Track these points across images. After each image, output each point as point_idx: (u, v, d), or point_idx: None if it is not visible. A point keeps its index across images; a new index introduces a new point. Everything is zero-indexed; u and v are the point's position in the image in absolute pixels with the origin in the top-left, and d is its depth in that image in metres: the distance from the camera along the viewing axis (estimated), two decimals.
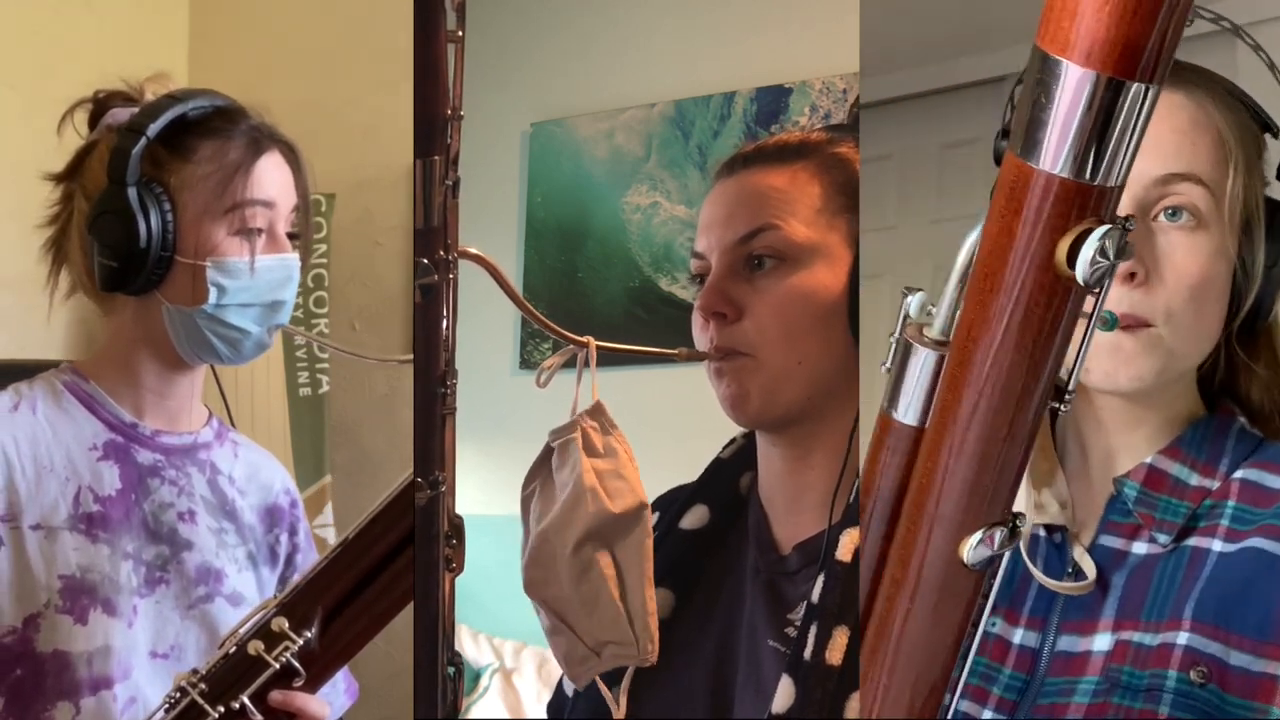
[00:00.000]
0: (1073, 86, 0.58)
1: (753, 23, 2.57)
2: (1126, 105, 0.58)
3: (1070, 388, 0.66)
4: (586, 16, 2.79)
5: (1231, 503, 0.93)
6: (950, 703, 0.74)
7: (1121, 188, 0.60)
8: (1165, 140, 0.92)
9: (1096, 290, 0.61)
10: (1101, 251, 0.59)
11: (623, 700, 0.92)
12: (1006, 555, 0.70)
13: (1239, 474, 0.94)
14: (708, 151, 2.60)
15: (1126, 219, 0.60)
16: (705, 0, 2.66)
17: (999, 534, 0.67)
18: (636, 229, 2.68)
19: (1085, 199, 0.59)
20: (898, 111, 2.83)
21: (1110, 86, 0.57)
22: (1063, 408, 0.66)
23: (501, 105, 2.80)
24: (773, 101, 2.55)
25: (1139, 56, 0.57)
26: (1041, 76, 0.58)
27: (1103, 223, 0.60)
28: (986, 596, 0.71)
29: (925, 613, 0.71)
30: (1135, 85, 0.57)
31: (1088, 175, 0.59)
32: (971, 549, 0.67)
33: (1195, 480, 0.95)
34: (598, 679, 0.91)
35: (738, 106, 2.60)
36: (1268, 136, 0.97)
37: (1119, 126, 0.58)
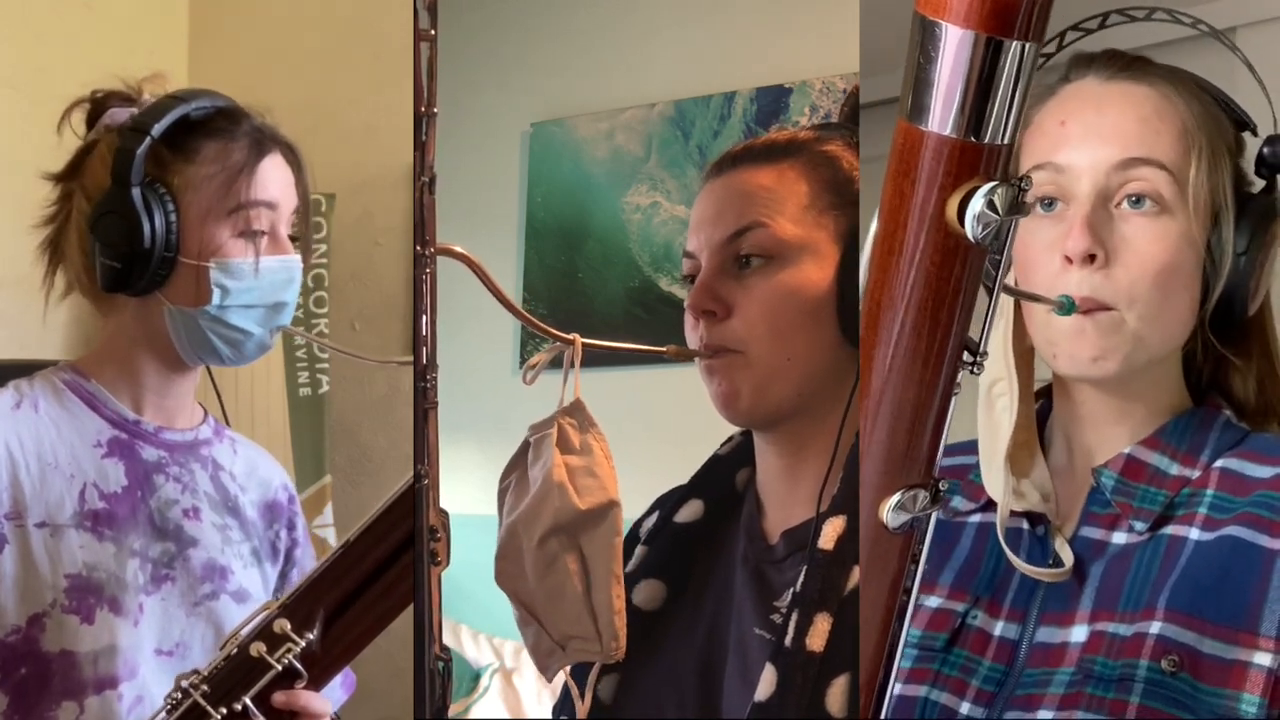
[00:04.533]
0: (953, 48, 0.59)
1: (753, 23, 2.56)
2: (1007, 64, 0.59)
3: (982, 349, 0.67)
4: (586, 16, 2.79)
5: (1210, 491, 0.94)
6: (891, 671, 0.74)
7: (1010, 147, 0.62)
8: (1128, 127, 0.93)
9: (995, 250, 0.63)
10: (990, 206, 0.61)
11: (588, 696, 0.92)
12: (931, 525, 0.71)
13: (1219, 463, 0.95)
14: (708, 151, 2.60)
15: (1021, 178, 0.62)
16: (705, 0, 2.66)
17: (919, 496, 0.68)
18: (636, 229, 2.68)
19: (973, 157, 0.61)
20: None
21: (990, 46, 0.59)
22: (973, 369, 0.67)
23: (502, 105, 2.80)
24: (773, 101, 2.54)
25: (1014, 15, 0.58)
26: (923, 41, 0.60)
27: (991, 180, 0.61)
28: (916, 561, 0.72)
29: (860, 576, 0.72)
30: (1014, 43, 0.59)
31: (974, 134, 0.60)
32: (890, 511, 0.68)
33: (1175, 470, 0.95)
34: (566, 675, 0.92)
35: (738, 106, 2.60)
36: (1248, 135, 0.98)
37: (1001, 85, 0.60)
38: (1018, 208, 0.61)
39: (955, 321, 0.64)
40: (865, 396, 0.67)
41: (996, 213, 0.61)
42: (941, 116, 0.60)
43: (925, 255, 0.63)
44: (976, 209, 0.61)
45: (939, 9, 0.59)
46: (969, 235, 0.61)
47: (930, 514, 0.69)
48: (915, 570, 0.72)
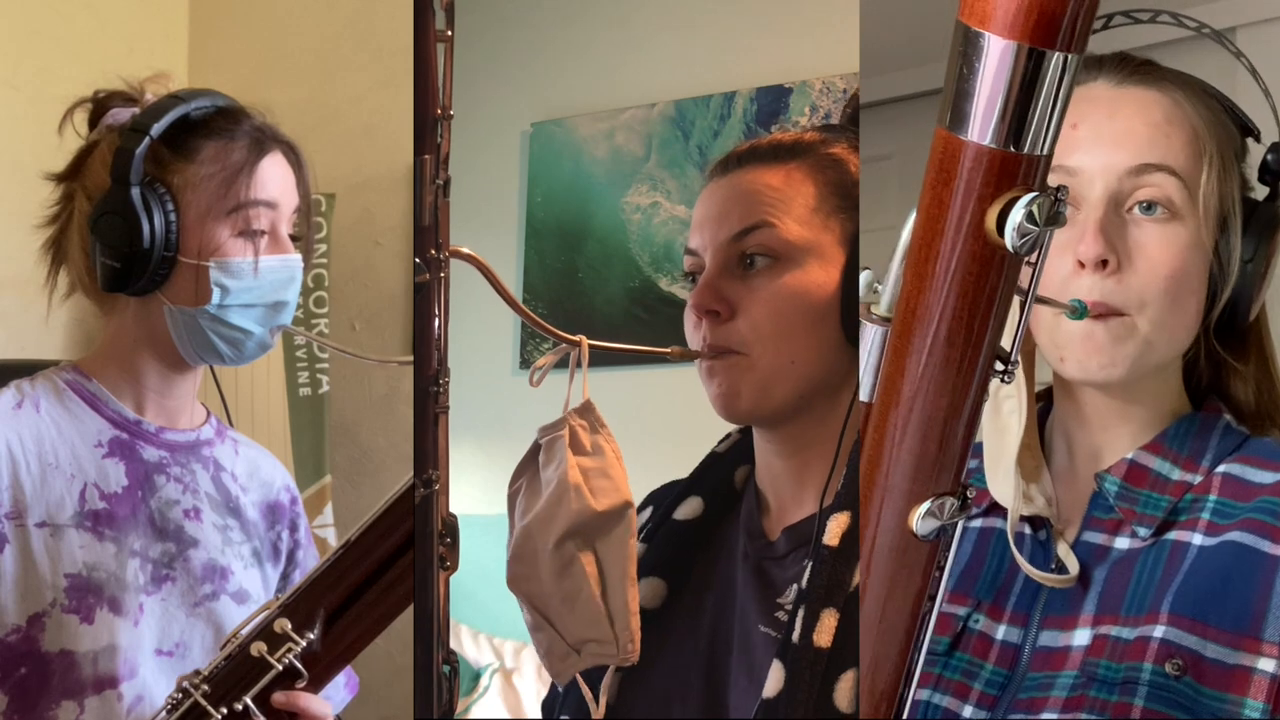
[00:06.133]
0: (995, 58, 0.59)
1: (753, 23, 2.57)
2: (1048, 74, 0.59)
3: (1013, 358, 0.67)
4: (586, 16, 2.79)
5: (1213, 497, 0.94)
6: (911, 680, 0.74)
7: (1049, 157, 0.62)
8: (1139, 133, 0.93)
9: (1030, 259, 0.63)
10: (1030, 218, 0.61)
11: (602, 700, 0.92)
12: (958, 534, 0.71)
13: (1221, 468, 0.95)
14: (708, 151, 2.60)
15: (1058, 188, 0.62)
16: (705, 0, 2.66)
17: (948, 504, 0.68)
18: (636, 229, 2.68)
19: (1013, 168, 0.61)
20: (898, 111, 2.84)
21: (1032, 57, 0.59)
22: (1004, 378, 0.67)
23: (501, 105, 2.80)
24: (773, 101, 2.55)
25: (1058, 26, 0.58)
26: (965, 50, 0.60)
27: (1030, 190, 0.61)
28: (941, 569, 0.72)
29: (880, 585, 0.72)
30: (1056, 54, 0.59)
31: (1014, 144, 0.60)
32: (920, 518, 0.68)
33: (1177, 475, 0.95)
34: (578, 677, 0.91)
35: (738, 106, 2.60)
36: (1250, 140, 0.98)
37: (1042, 96, 0.60)
38: (1055, 218, 0.61)
39: (989, 330, 0.64)
40: (895, 405, 0.66)
41: (1036, 224, 0.61)
42: (982, 126, 0.60)
43: (962, 264, 0.62)
44: (1016, 220, 0.61)
45: (983, 19, 0.59)
46: (1008, 245, 0.61)
47: (958, 521, 0.69)
48: (940, 578, 0.72)
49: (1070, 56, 0.59)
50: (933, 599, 0.72)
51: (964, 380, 0.65)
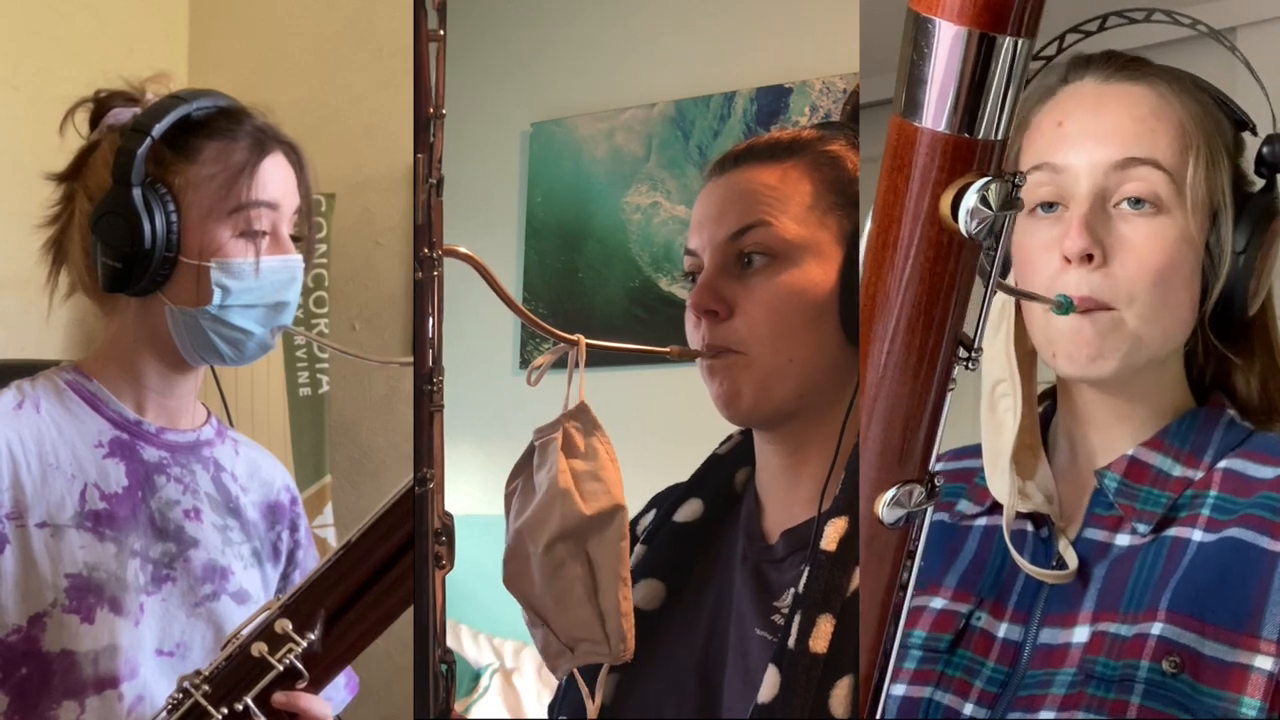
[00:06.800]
0: (946, 45, 0.59)
1: (753, 23, 2.56)
2: (1000, 60, 0.59)
3: (976, 345, 0.68)
4: (587, 16, 2.79)
5: (1213, 492, 0.93)
6: (887, 670, 0.74)
7: (1004, 142, 0.62)
8: (1125, 127, 0.93)
9: (989, 246, 0.63)
10: (984, 202, 0.61)
11: (598, 695, 0.92)
12: (926, 522, 0.71)
13: (1223, 464, 0.95)
14: (708, 151, 2.60)
15: (1015, 174, 0.62)
16: (705, 1, 2.66)
17: (915, 492, 0.68)
18: (636, 229, 2.68)
19: (967, 153, 0.61)
20: None
21: (983, 42, 0.59)
22: (968, 365, 0.67)
23: (502, 105, 2.80)
24: (773, 101, 2.55)
25: (1008, 11, 0.58)
26: (916, 37, 0.60)
27: (985, 175, 0.61)
28: (912, 557, 0.72)
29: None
30: (1007, 39, 0.59)
31: (968, 130, 0.61)
32: (886, 506, 0.69)
33: (1178, 471, 0.95)
34: (576, 674, 0.92)
35: (738, 106, 2.60)
36: (1248, 135, 0.98)
37: (995, 81, 0.60)
38: (1012, 203, 0.61)
39: (950, 317, 0.64)
40: (862, 393, 0.67)
41: (990, 208, 0.61)
42: (935, 112, 0.61)
43: (919, 251, 0.63)
44: (970, 204, 0.61)
45: (932, 6, 0.59)
46: (963, 230, 0.61)
47: (926, 509, 0.69)
48: (911, 567, 0.72)
49: (1021, 41, 0.59)
50: (904, 588, 0.73)
51: (926, 367, 0.66)
